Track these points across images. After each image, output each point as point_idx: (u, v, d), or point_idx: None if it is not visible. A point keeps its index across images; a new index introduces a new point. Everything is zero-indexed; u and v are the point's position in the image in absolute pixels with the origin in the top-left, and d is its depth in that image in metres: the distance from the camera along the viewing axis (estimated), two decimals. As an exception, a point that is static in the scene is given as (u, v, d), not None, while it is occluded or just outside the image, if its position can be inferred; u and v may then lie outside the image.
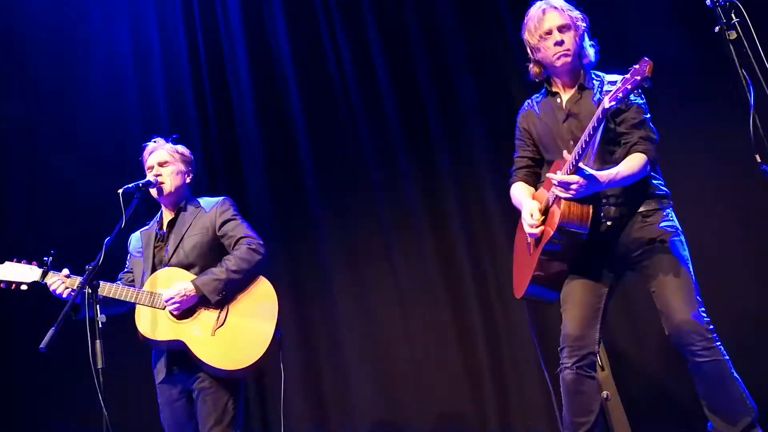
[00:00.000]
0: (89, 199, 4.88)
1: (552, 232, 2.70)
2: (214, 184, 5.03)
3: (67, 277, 3.31)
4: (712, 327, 2.64)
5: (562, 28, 2.79)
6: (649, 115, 2.79)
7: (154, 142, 3.51)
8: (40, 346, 2.76)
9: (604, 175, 2.64)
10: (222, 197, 3.51)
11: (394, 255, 4.65)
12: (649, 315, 3.07)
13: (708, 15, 2.48)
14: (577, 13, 2.86)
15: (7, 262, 3.36)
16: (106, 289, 3.24)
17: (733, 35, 2.40)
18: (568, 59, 2.80)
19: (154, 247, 3.40)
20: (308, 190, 4.87)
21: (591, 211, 2.66)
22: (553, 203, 2.78)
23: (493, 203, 4.37)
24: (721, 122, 3.82)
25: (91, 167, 5.04)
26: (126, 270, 3.56)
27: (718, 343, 2.63)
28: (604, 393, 3.59)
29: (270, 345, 3.20)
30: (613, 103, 2.48)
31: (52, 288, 3.29)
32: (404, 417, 4.48)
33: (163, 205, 3.50)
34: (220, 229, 3.37)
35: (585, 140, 2.60)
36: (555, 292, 2.89)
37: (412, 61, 4.72)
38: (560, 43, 2.78)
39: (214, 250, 3.35)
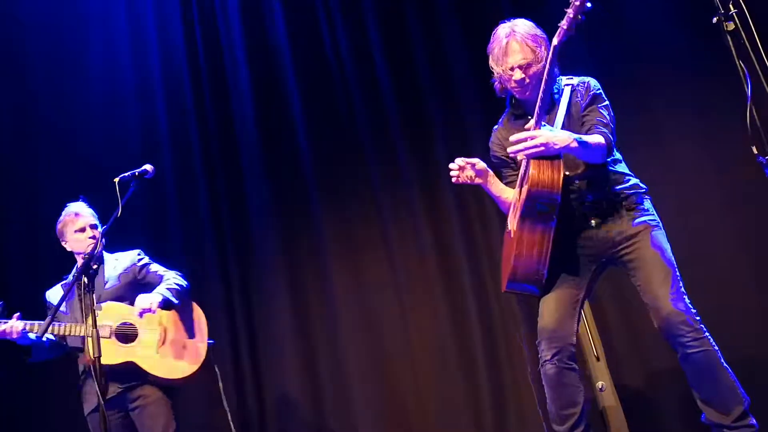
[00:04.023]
0: (85, 190, 4.85)
1: (524, 199, 2.70)
2: (212, 173, 5.03)
3: (19, 320, 3.48)
4: (699, 318, 2.65)
5: (523, 67, 2.79)
6: (606, 103, 2.83)
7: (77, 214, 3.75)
8: (37, 334, 2.78)
9: (563, 131, 2.66)
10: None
11: (392, 243, 4.66)
12: (644, 305, 3.07)
13: (706, 5, 2.47)
14: (541, 44, 2.80)
15: None
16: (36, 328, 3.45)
17: (730, 26, 2.39)
18: (527, 93, 2.84)
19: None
20: (306, 178, 4.87)
21: (561, 176, 2.64)
22: (525, 172, 2.76)
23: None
24: (718, 113, 3.83)
25: (89, 163, 5.00)
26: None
27: (707, 333, 2.64)
28: (600, 383, 3.60)
29: (207, 354, 3.68)
30: (562, 38, 2.61)
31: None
32: (402, 407, 4.50)
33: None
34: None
35: (543, 89, 2.65)
36: (534, 287, 2.82)
37: (410, 50, 4.72)
38: (520, 81, 2.81)
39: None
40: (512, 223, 2.88)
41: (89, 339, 2.85)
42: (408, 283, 4.60)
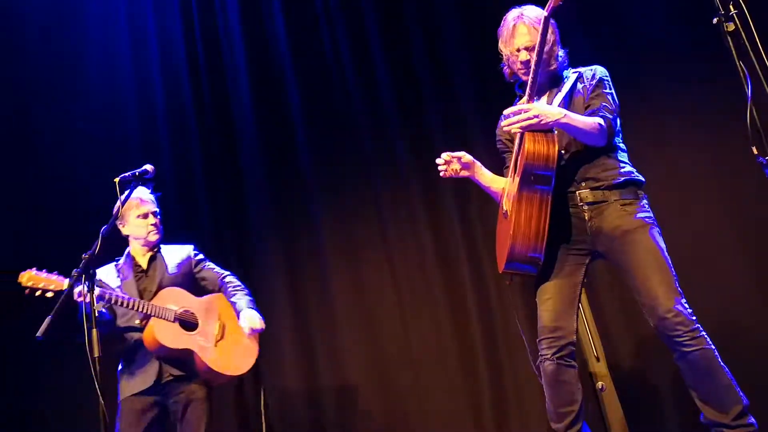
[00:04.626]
0: (85, 189, 4.86)
1: (521, 174, 2.72)
2: (212, 173, 5.03)
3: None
4: (695, 317, 2.66)
5: (529, 48, 2.84)
6: (609, 91, 2.87)
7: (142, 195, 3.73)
8: (37, 334, 2.76)
9: (556, 107, 2.71)
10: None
11: (392, 243, 4.67)
12: (638, 303, 3.07)
13: (706, 5, 2.47)
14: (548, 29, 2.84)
15: (30, 270, 3.41)
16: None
17: (731, 27, 2.39)
18: (529, 77, 2.85)
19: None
20: (306, 178, 4.88)
21: (556, 149, 2.68)
22: (520, 149, 2.78)
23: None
24: (718, 113, 3.83)
25: (89, 163, 5.01)
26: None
27: (703, 332, 2.65)
28: (600, 384, 3.60)
29: (258, 353, 3.74)
30: (552, 6, 2.66)
31: (77, 297, 3.36)
32: (402, 407, 4.50)
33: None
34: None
35: (535, 61, 2.71)
36: (532, 266, 2.81)
37: (410, 50, 4.72)
38: (526, 63, 2.85)
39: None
40: (507, 203, 2.90)
41: (93, 336, 2.82)
42: (408, 283, 4.61)
